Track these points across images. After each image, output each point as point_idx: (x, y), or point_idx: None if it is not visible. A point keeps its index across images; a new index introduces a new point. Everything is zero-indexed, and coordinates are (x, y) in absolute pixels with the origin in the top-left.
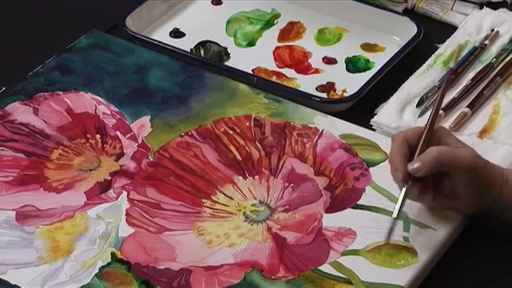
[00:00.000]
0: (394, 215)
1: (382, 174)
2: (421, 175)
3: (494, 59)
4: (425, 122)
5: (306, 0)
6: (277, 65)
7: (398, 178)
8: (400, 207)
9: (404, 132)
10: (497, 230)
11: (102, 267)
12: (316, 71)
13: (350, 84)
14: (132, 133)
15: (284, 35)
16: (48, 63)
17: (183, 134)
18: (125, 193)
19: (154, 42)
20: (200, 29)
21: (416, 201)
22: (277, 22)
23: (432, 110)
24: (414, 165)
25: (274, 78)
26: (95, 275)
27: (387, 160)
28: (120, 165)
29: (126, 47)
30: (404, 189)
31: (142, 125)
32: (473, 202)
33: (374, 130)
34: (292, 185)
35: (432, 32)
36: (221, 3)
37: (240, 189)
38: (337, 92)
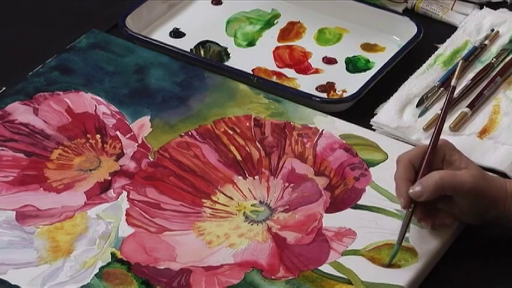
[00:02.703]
0: (399, 240)
1: (382, 174)
2: (422, 200)
3: (494, 59)
4: (429, 142)
5: (306, 0)
6: (277, 65)
7: (401, 203)
8: (404, 231)
9: (408, 154)
10: (497, 230)
11: (102, 267)
12: (316, 71)
13: (350, 84)
14: (132, 133)
15: (284, 35)
16: (48, 63)
17: (183, 134)
18: (124, 193)
19: (154, 42)
20: (200, 29)
21: (418, 222)
22: (277, 22)
23: (434, 132)
24: (415, 190)
25: (274, 78)
26: (95, 275)
27: (387, 160)
28: (120, 165)
29: (126, 47)
30: (408, 213)
31: (142, 125)
32: (477, 218)
33: (374, 130)
34: (292, 185)
35: (432, 32)
36: (221, 3)
37: (240, 189)
38: (337, 92)
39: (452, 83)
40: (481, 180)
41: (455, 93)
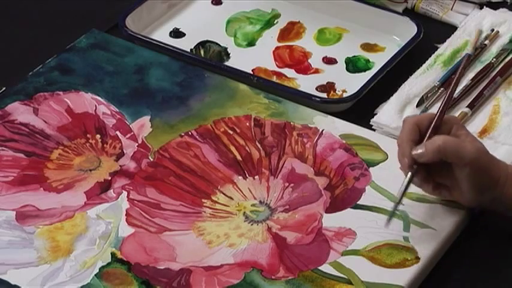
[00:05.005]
0: (397, 197)
1: (382, 174)
2: (423, 161)
3: (494, 59)
4: (437, 109)
5: (306, 0)
6: (277, 65)
7: (405, 163)
8: (404, 191)
9: (416, 117)
10: (497, 230)
11: (102, 267)
12: (316, 71)
13: (350, 84)
14: (132, 133)
15: (284, 35)
16: (48, 63)
17: (183, 134)
18: (125, 193)
19: (154, 42)
20: (200, 29)
21: (417, 186)
22: (277, 22)
23: (444, 97)
24: (418, 151)
25: (274, 78)
26: (95, 275)
27: (387, 160)
28: (120, 165)
29: (126, 47)
30: (409, 174)
31: (142, 125)
32: (474, 197)
33: (374, 130)
34: (292, 185)
35: (432, 32)
36: (221, 3)
37: (240, 189)
38: (337, 92)
39: (469, 51)
40: (484, 155)
41: (455, 93)
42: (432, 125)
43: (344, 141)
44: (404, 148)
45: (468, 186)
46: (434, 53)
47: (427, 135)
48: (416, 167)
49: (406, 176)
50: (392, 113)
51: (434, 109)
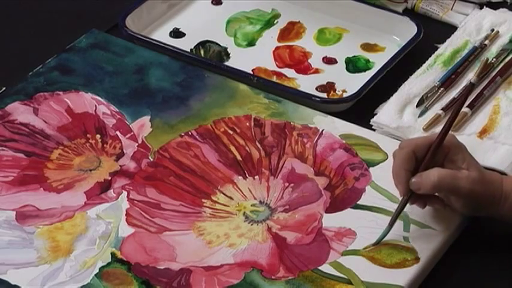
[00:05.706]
0: (391, 222)
1: (382, 174)
2: (420, 193)
3: (494, 59)
4: (437, 135)
5: (306, 0)
6: (277, 65)
7: (400, 190)
8: (398, 215)
9: (413, 144)
10: (498, 230)
11: (102, 267)
12: (316, 71)
13: (350, 84)
14: (132, 133)
15: (284, 35)
16: (48, 63)
17: (183, 134)
18: (125, 193)
19: (154, 42)
20: (200, 29)
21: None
22: (277, 22)
23: (443, 128)
24: (414, 183)
25: (274, 78)
26: (95, 275)
27: (387, 160)
28: (120, 165)
29: (126, 47)
30: (403, 199)
31: (142, 125)
32: (468, 213)
33: (374, 130)
34: (292, 185)
35: (432, 32)
36: (221, 3)
37: (240, 189)
38: (337, 92)
39: (472, 80)
40: (478, 186)
41: (455, 93)
42: (428, 157)
43: (344, 141)
44: (399, 177)
45: (463, 208)
46: (434, 53)
47: (424, 164)
48: (410, 194)
49: (400, 201)
50: (392, 113)
51: (435, 109)
